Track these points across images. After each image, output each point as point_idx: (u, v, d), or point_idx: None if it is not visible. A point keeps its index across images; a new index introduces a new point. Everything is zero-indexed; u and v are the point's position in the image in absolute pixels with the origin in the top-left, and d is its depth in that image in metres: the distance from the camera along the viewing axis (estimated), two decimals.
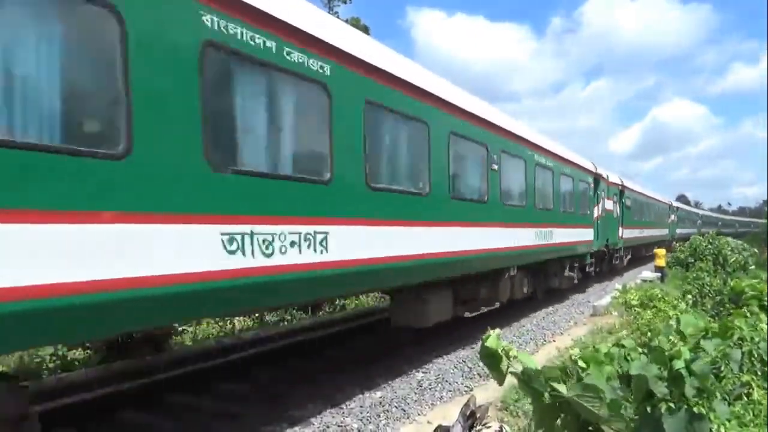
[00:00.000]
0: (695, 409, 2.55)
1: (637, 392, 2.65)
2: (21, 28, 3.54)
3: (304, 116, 5.77)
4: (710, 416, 2.78)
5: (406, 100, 7.32)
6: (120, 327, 4.53)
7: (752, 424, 3.46)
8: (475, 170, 9.72)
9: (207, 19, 4.54)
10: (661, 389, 2.57)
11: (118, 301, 3.87)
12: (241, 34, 4.86)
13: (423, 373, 8.38)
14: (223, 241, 4.67)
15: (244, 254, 4.86)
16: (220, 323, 11.28)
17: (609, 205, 19.82)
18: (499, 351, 2.72)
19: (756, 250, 23.25)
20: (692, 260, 21.01)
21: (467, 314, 10.59)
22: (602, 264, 20.52)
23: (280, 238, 5.24)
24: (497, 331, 2.88)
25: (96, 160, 3.76)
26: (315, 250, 5.68)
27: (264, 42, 5.10)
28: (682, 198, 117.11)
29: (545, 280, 14.66)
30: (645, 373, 2.63)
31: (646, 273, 21.06)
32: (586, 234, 16.72)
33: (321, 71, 5.71)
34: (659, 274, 20.20)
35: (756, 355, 4.24)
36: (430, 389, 7.58)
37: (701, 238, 23.15)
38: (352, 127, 6.31)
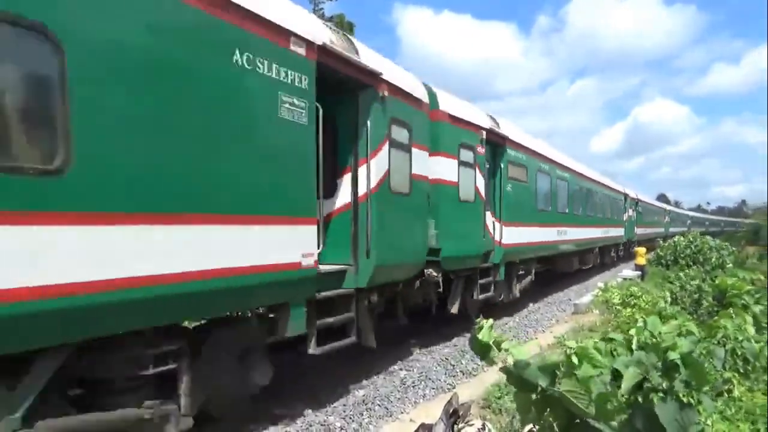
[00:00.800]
0: (685, 399, 2.57)
1: (628, 382, 2.67)
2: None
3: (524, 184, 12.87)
4: (698, 409, 2.81)
5: (567, 175, 17.10)
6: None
7: (734, 419, 3.49)
8: (592, 204, 21.00)
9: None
10: (655, 378, 2.61)
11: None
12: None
13: (406, 371, 8.35)
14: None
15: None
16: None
17: (630, 212, 30.82)
18: (490, 342, 2.76)
19: (735, 249, 23.71)
20: (672, 258, 21.32)
21: (583, 267, 21.35)
22: (625, 250, 31.03)
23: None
24: (490, 321, 2.91)
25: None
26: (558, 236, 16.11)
27: (519, 156, 12.61)
28: (662, 197, 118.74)
29: (602, 257, 25.06)
30: (643, 361, 2.67)
31: (627, 271, 21.30)
32: (620, 231, 27.68)
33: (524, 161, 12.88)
34: (639, 273, 20.45)
35: (738, 353, 4.29)
36: (413, 387, 7.56)
37: (682, 237, 23.59)
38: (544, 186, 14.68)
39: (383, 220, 6.94)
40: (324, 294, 6.07)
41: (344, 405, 6.73)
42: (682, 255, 21.34)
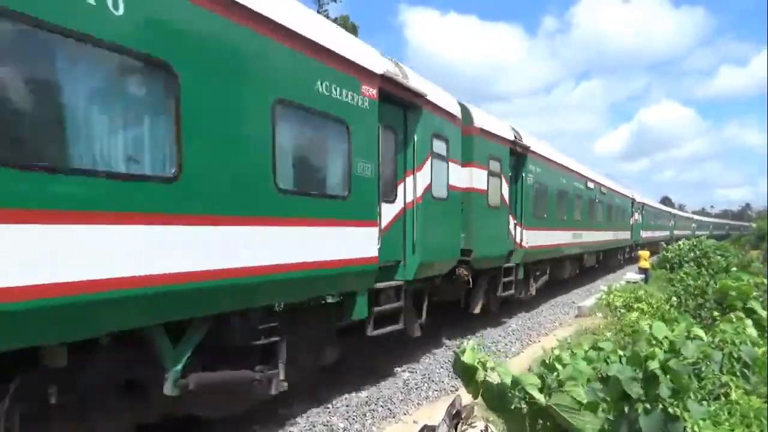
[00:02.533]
0: (670, 410, 2.59)
1: (613, 393, 2.69)
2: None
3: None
4: (684, 416, 2.83)
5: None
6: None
7: (727, 423, 3.54)
8: (653, 220, 39.91)
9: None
10: (636, 390, 2.62)
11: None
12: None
13: (409, 372, 8.42)
14: None
15: None
16: None
17: (673, 221, 50.60)
18: (476, 363, 2.71)
19: (741, 253, 23.72)
20: (677, 261, 21.30)
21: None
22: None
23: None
24: (472, 343, 2.87)
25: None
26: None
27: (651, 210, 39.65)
28: (666, 200, 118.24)
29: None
30: (618, 375, 2.67)
31: (631, 274, 21.28)
32: (666, 233, 46.41)
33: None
34: (643, 276, 20.43)
35: (736, 357, 4.33)
36: (416, 389, 7.62)
37: (687, 241, 23.60)
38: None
39: None
40: None
41: (347, 406, 6.80)
42: (686, 258, 21.30)
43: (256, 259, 5.02)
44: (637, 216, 32.34)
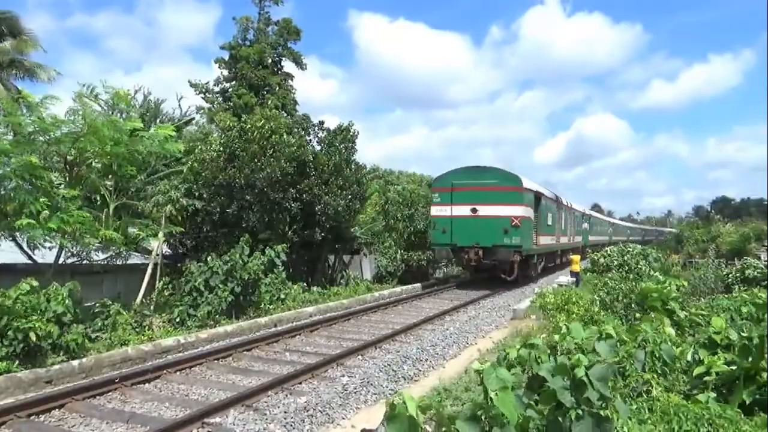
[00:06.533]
0: (601, 413, 2.70)
1: (546, 403, 2.77)
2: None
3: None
4: (614, 416, 2.96)
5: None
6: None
7: (649, 421, 3.75)
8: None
9: None
10: (568, 399, 2.72)
11: None
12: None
13: (348, 377, 8.39)
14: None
15: None
16: (137, 329, 10.78)
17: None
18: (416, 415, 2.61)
19: (661, 257, 25.22)
20: (605, 265, 22.35)
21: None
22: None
23: None
24: (411, 394, 2.75)
25: None
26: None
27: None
28: (596, 207, 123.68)
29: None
30: (552, 386, 2.76)
31: (562, 278, 22.10)
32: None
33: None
34: (574, 279, 21.24)
35: (657, 356, 4.60)
36: (354, 393, 7.60)
37: (614, 247, 24.83)
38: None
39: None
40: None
41: (285, 412, 6.70)
42: (614, 263, 22.42)
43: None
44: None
